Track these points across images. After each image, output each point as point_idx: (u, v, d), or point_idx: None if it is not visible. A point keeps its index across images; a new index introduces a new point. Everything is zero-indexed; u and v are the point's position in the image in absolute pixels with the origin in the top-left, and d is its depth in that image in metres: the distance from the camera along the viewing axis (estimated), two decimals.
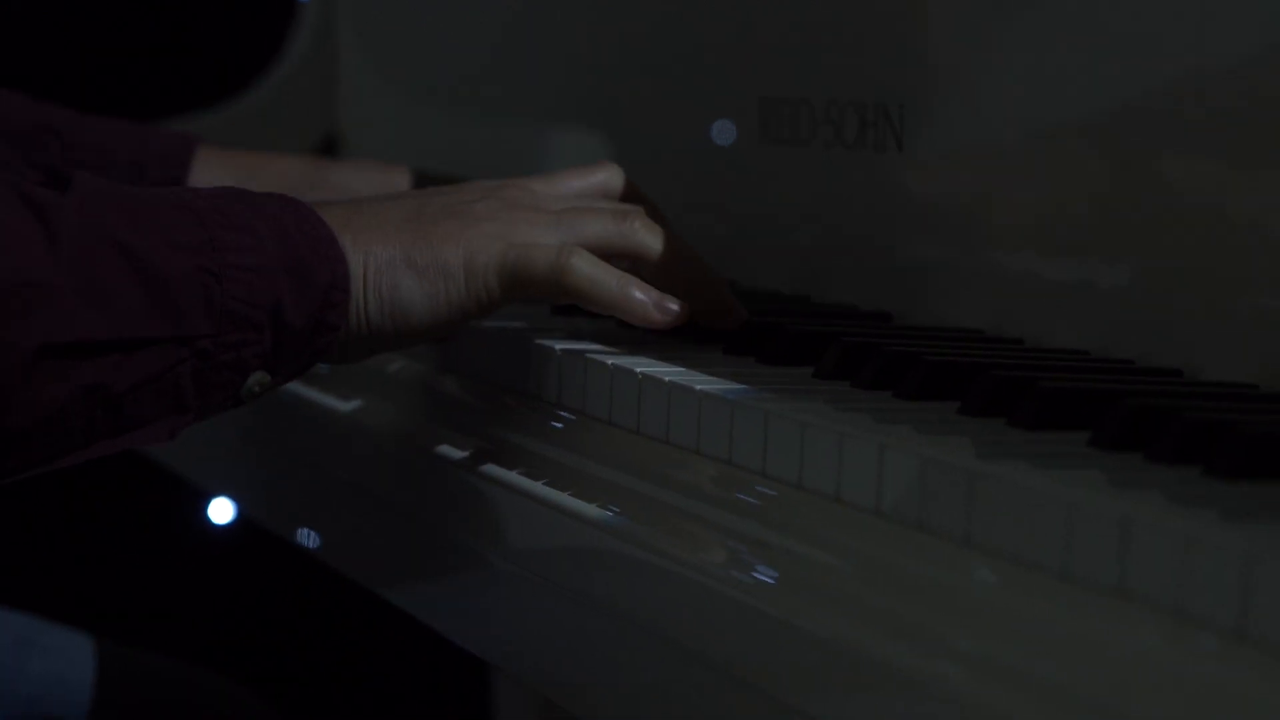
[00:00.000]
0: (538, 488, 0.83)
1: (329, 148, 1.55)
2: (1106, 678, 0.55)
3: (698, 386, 0.79)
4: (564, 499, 0.81)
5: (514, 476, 0.85)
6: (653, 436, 0.81)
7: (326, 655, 2.02)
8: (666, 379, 0.80)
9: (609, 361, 0.85)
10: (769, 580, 0.68)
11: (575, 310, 0.99)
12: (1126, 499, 0.58)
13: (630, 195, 0.94)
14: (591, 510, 0.79)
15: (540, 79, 1.30)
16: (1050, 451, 0.67)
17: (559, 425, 0.87)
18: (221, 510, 1.22)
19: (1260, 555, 0.53)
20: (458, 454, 0.90)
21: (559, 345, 0.89)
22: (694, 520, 0.75)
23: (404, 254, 0.84)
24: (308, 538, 1.06)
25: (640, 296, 0.86)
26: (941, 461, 0.65)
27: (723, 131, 1.01)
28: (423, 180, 1.14)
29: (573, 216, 0.88)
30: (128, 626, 1.51)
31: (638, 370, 0.82)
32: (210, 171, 1.15)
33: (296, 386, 0.99)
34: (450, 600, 0.92)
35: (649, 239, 0.89)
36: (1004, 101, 0.93)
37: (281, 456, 1.11)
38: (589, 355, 0.86)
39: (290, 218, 0.82)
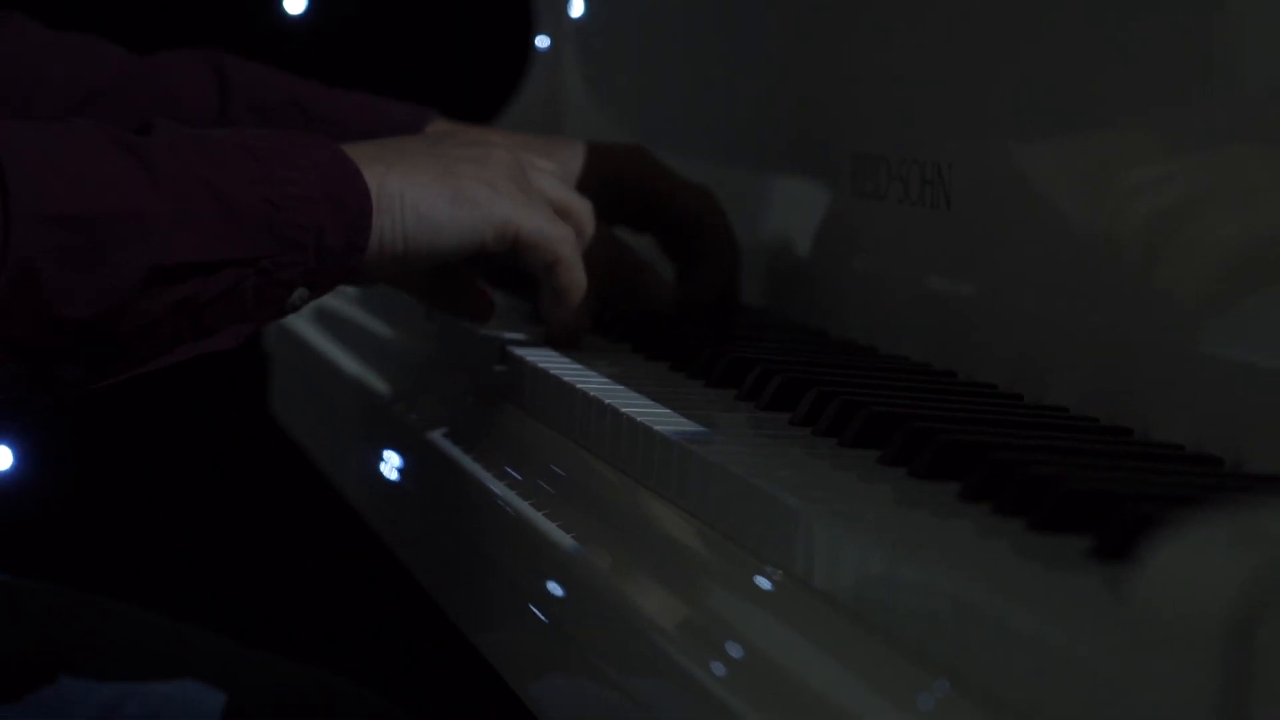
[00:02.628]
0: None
1: None
2: None
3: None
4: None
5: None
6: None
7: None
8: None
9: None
10: None
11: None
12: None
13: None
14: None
15: (708, 123, 1.39)
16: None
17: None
18: None
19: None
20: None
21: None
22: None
23: (437, 180, 0.98)
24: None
25: (573, 305, 1.03)
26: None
27: None
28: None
29: (566, 187, 1.06)
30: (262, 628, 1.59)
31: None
32: None
33: None
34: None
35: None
36: (1035, 167, 0.98)
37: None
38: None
39: (325, 154, 0.95)
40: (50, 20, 1.29)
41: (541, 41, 1.70)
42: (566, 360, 1.02)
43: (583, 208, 1.06)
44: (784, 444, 0.85)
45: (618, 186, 1.19)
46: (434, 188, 0.98)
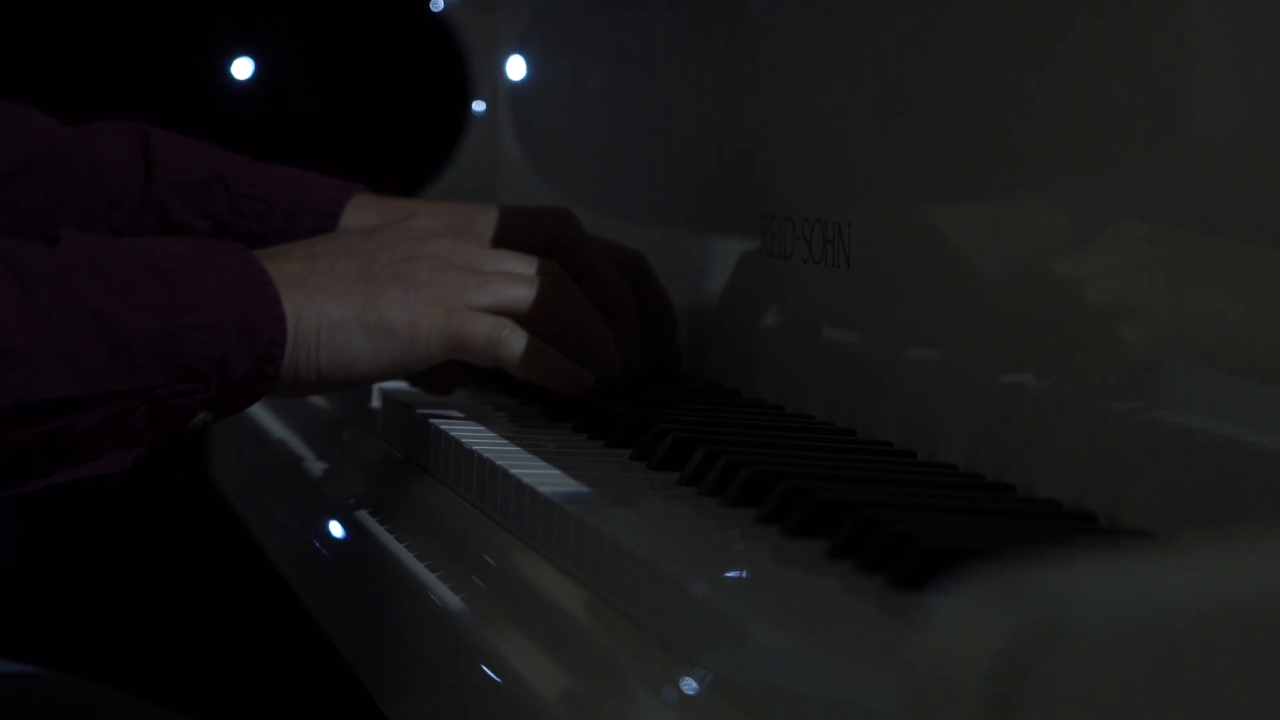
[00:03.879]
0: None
1: None
2: None
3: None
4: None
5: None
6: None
7: None
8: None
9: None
10: None
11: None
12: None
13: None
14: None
15: (630, 185, 1.40)
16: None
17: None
18: None
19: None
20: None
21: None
22: None
23: (356, 314, 0.95)
24: None
25: (556, 368, 1.00)
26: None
27: None
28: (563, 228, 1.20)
29: (499, 282, 1.00)
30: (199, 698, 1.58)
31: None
32: (361, 219, 1.21)
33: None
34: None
35: (562, 307, 1.03)
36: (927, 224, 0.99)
37: None
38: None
39: (243, 276, 0.92)
40: None
41: (478, 106, 1.72)
42: (468, 421, 1.03)
43: (529, 292, 1.02)
44: (669, 504, 0.85)
45: (544, 251, 1.17)
46: (351, 320, 0.95)
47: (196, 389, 0.90)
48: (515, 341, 0.99)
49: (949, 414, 0.95)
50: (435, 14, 1.75)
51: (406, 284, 0.97)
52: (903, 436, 0.98)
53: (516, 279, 1.02)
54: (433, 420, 1.03)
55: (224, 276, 0.91)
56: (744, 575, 0.73)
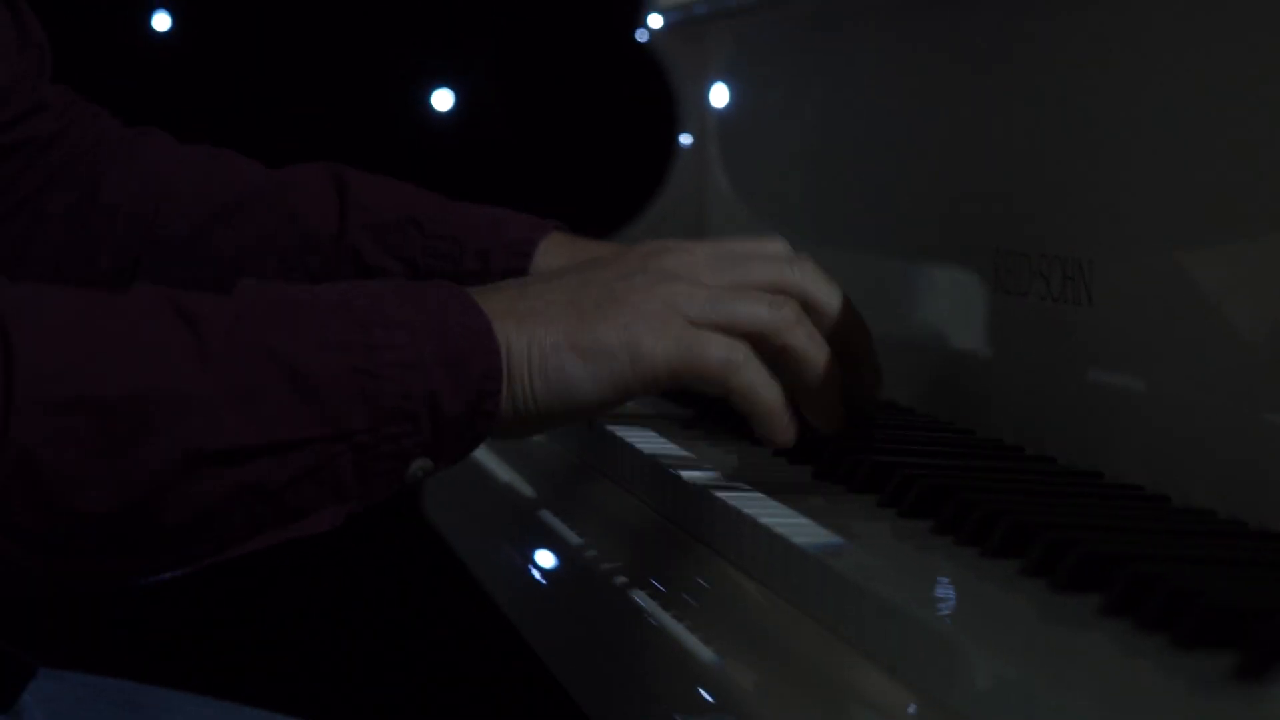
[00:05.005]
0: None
1: None
2: None
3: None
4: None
5: None
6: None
7: None
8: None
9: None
10: None
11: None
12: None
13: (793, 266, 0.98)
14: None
15: (848, 216, 1.38)
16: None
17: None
18: None
19: None
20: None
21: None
22: None
23: (567, 338, 0.88)
24: None
25: (781, 419, 0.92)
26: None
27: None
28: None
29: (730, 298, 0.92)
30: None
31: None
32: (554, 259, 1.19)
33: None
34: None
35: (799, 337, 0.93)
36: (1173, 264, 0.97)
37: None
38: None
39: (450, 309, 0.86)
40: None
41: (685, 138, 1.71)
42: (706, 467, 1.02)
43: (786, 303, 0.93)
44: (924, 554, 0.84)
45: None
46: (562, 344, 0.88)
47: (406, 432, 0.84)
48: (750, 374, 0.91)
49: (1202, 455, 0.93)
50: (640, 44, 1.74)
51: (621, 302, 0.90)
52: (1151, 480, 0.96)
53: (754, 299, 0.93)
54: (673, 470, 1.01)
55: (428, 310, 0.86)
56: (1016, 633, 0.71)
